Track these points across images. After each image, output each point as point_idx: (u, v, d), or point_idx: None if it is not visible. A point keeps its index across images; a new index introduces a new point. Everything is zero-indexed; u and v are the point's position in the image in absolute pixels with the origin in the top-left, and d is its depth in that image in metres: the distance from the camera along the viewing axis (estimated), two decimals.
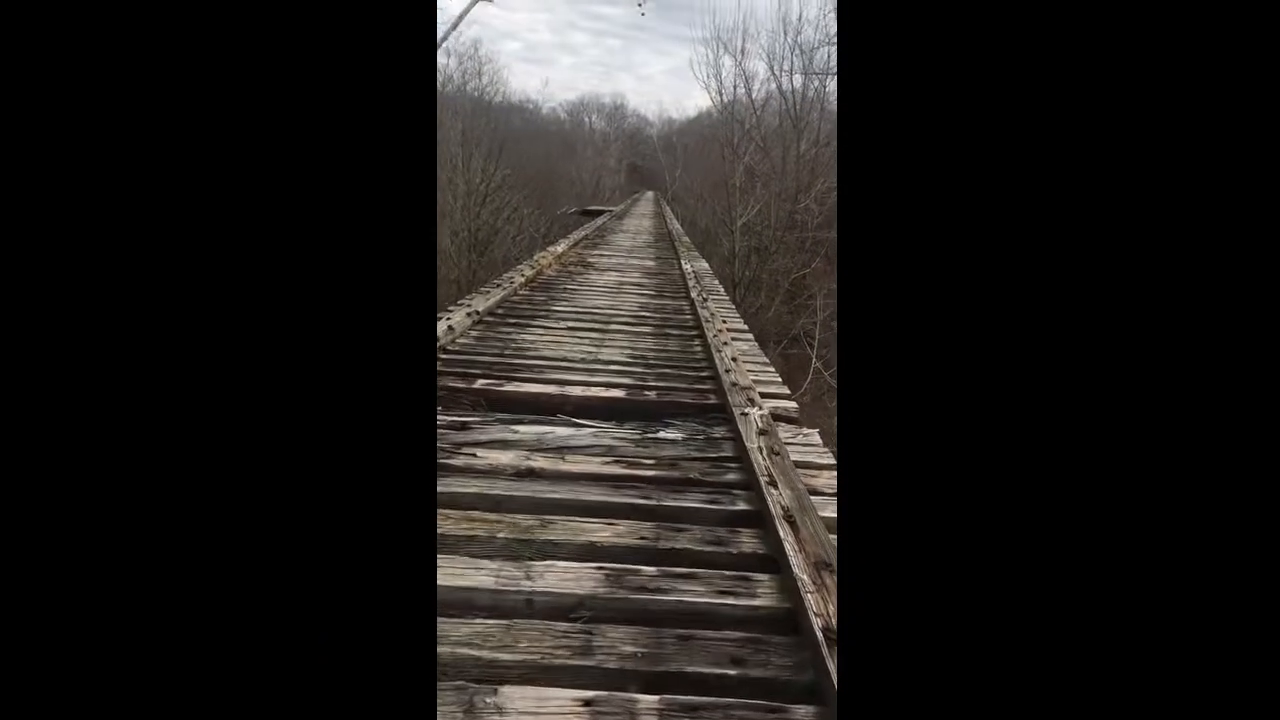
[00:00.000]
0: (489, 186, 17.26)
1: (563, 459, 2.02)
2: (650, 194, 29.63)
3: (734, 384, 2.69)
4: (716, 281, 6.50)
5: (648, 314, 4.44)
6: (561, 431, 2.28)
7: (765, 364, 3.34)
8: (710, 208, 16.90)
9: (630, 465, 2.01)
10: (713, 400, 2.70)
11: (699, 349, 3.57)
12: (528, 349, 3.30)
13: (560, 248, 7.46)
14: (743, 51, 18.94)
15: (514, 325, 3.79)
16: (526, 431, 2.25)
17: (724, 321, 4.11)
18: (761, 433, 2.15)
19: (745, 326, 4.27)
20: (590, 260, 7.16)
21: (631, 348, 3.50)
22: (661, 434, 2.31)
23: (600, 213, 17.12)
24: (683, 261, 7.10)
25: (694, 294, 4.97)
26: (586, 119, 44.31)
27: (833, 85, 16.63)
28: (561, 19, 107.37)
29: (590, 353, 3.30)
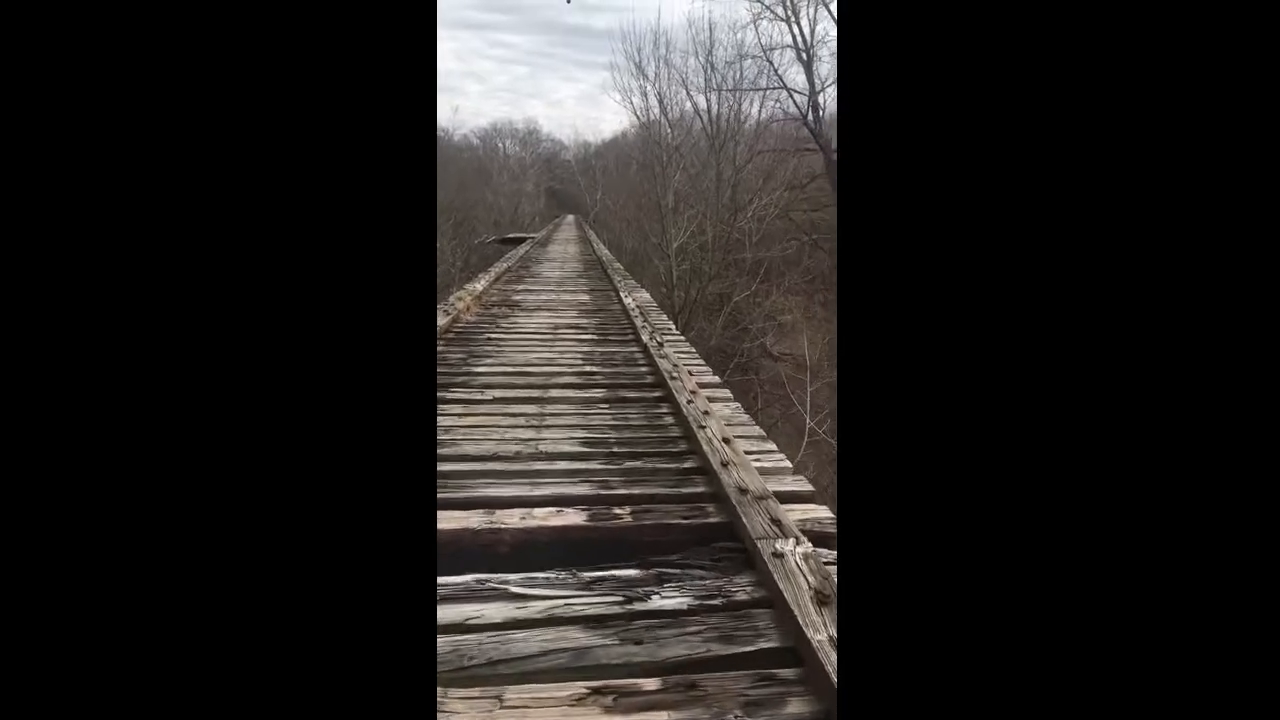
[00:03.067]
0: None
1: (500, 702, 1.14)
2: (571, 218, 28.91)
3: (741, 488, 1.87)
4: (664, 316, 5.71)
5: (594, 369, 3.59)
6: (496, 612, 1.41)
7: (761, 437, 2.54)
8: (637, 230, 16.24)
9: (619, 697, 1.16)
10: (712, 514, 1.87)
11: (670, 420, 2.74)
12: (441, 443, 2.40)
13: (480, 285, 6.53)
14: (657, 75, 18.52)
15: None
16: (439, 621, 1.37)
17: (691, 374, 3.31)
18: (821, 600, 1.33)
19: (718, 378, 3.47)
20: (515, 298, 6.27)
21: (583, 426, 2.64)
22: (655, 601, 1.47)
23: (522, 240, 16.18)
24: (622, 294, 6.30)
25: (644, 336, 4.16)
26: (500, 145, 43.23)
27: (745, 103, 16.36)
28: (467, 47, 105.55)
29: (529, 441, 2.43)
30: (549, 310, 5.69)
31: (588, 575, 1.57)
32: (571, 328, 4.87)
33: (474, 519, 1.81)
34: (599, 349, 4.13)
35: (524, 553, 1.74)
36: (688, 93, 17.76)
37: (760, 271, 11.77)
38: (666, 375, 3.18)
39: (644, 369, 3.59)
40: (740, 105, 17.10)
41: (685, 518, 1.86)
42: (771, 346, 11.89)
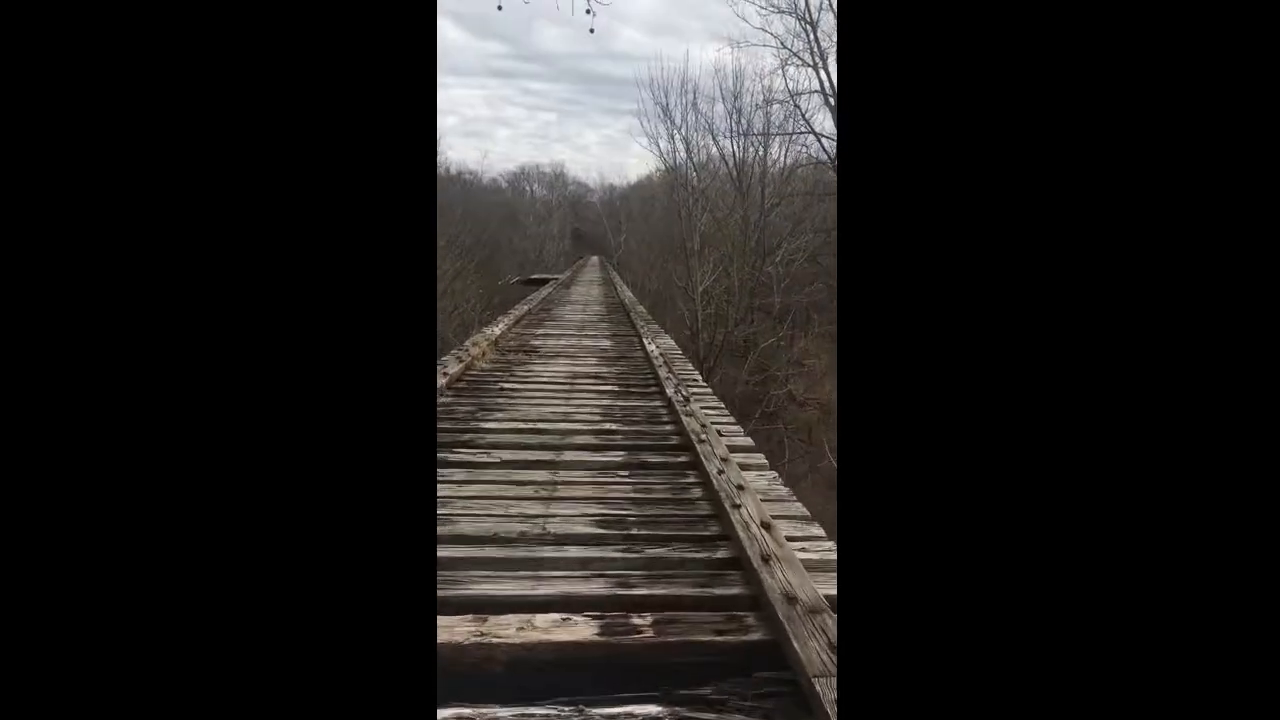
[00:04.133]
0: None
1: None
2: (596, 259, 28.97)
3: (788, 595, 1.53)
4: (690, 365, 5.40)
5: (613, 427, 3.27)
6: None
7: (805, 518, 2.20)
8: (660, 271, 16.05)
9: None
10: (752, 627, 1.53)
11: (699, 493, 2.41)
12: (437, 518, 2.09)
13: (498, 329, 6.28)
14: (684, 120, 18.56)
15: None
16: None
17: (720, 434, 2.98)
18: None
19: (750, 440, 3.13)
20: (534, 343, 6.01)
21: (599, 499, 2.31)
22: None
23: (545, 281, 16.06)
24: (645, 340, 6.01)
25: (669, 390, 3.84)
26: (527, 188, 43.81)
27: (772, 147, 16.27)
28: (496, 94, 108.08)
29: (535, 519, 2.11)
30: (568, 357, 5.41)
31: (597, 715, 1.24)
32: (591, 377, 4.57)
33: (461, 629, 1.48)
34: (619, 403, 3.82)
35: (520, 674, 1.41)
36: (714, 138, 17.74)
37: (788, 317, 11.44)
38: (694, 437, 2.85)
39: (668, 428, 3.27)
40: (767, 150, 17.02)
41: (719, 633, 1.51)
42: (799, 394, 11.49)
